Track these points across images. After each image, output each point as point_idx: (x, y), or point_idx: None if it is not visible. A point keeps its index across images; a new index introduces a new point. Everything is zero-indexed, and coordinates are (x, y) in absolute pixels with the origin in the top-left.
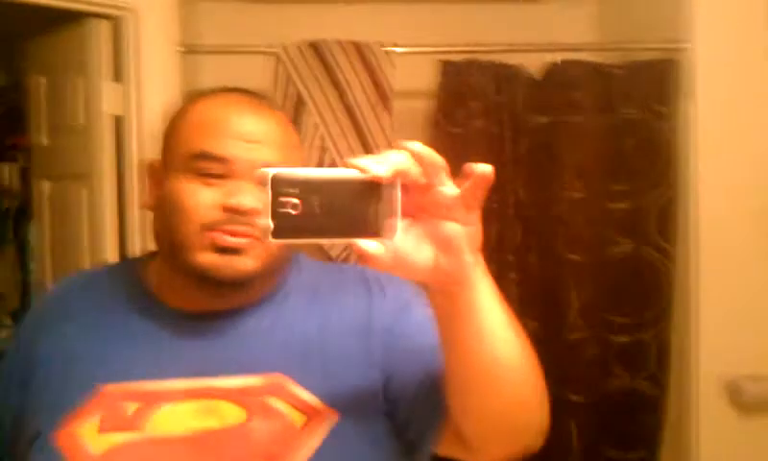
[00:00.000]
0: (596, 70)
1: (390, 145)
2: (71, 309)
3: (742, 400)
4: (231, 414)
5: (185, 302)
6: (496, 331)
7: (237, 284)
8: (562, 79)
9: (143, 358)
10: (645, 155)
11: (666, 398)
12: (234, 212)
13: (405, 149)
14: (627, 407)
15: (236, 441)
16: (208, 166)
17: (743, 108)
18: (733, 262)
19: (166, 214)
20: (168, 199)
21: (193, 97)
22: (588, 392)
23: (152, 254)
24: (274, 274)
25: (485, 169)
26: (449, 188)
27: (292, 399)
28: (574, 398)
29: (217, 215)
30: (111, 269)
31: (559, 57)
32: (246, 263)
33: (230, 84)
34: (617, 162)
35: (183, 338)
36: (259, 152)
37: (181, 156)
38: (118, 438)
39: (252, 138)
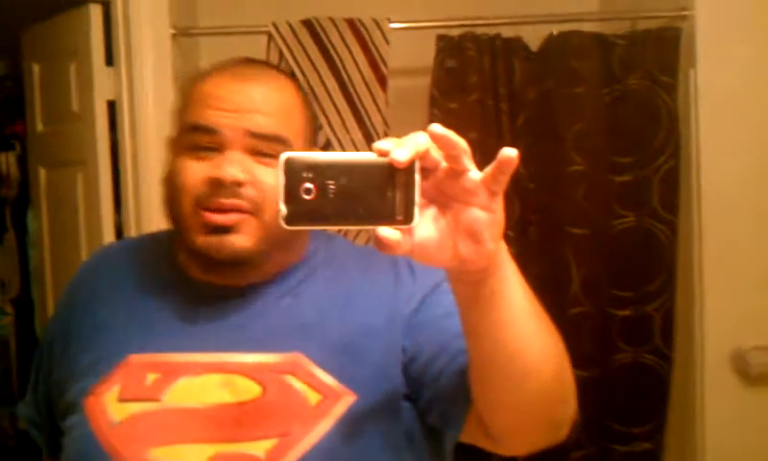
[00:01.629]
0: (597, 40)
1: (385, 121)
2: (104, 280)
3: (748, 371)
4: (247, 389)
5: (208, 275)
6: (520, 322)
7: (238, 263)
8: (561, 50)
9: (167, 330)
10: (647, 125)
11: (672, 371)
12: (217, 185)
13: (427, 132)
14: (632, 381)
15: (250, 416)
16: (199, 139)
17: (746, 76)
18: (737, 232)
19: (168, 191)
20: (169, 176)
21: (200, 73)
22: (591, 367)
23: None
24: (285, 248)
25: (510, 153)
26: (473, 173)
27: (309, 377)
28: (578, 373)
29: (205, 189)
30: (146, 239)
31: (557, 28)
32: (238, 241)
33: None
34: (619, 134)
35: (206, 312)
36: (248, 120)
37: (180, 131)
38: (136, 407)
39: (242, 107)
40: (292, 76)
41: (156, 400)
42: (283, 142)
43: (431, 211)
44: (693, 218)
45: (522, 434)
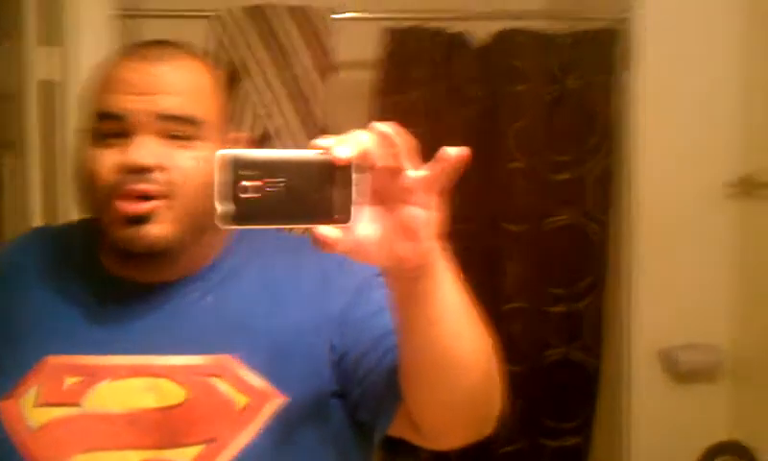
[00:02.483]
0: (539, 39)
1: (331, 113)
2: (25, 272)
3: (676, 370)
4: (171, 393)
5: (128, 271)
6: (452, 319)
7: (157, 254)
8: (506, 47)
9: (87, 331)
10: (585, 125)
11: (601, 367)
12: (130, 171)
13: (369, 129)
14: (563, 377)
15: (174, 421)
16: (106, 126)
17: (683, 79)
18: (668, 232)
19: (81, 183)
20: (80, 167)
21: (103, 60)
22: (524, 362)
23: None
24: (203, 238)
25: (450, 153)
26: (411, 172)
27: (236, 380)
28: (510, 368)
29: (116, 177)
30: (71, 228)
31: (503, 25)
32: (154, 230)
33: None
34: (558, 132)
35: (128, 312)
36: (156, 102)
37: (88, 121)
38: (55, 412)
39: (149, 89)
40: (203, 55)
41: (76, 404)
42: (195, 123)
43: (369, 210)
44: (624, 218)
45: (450, 430)
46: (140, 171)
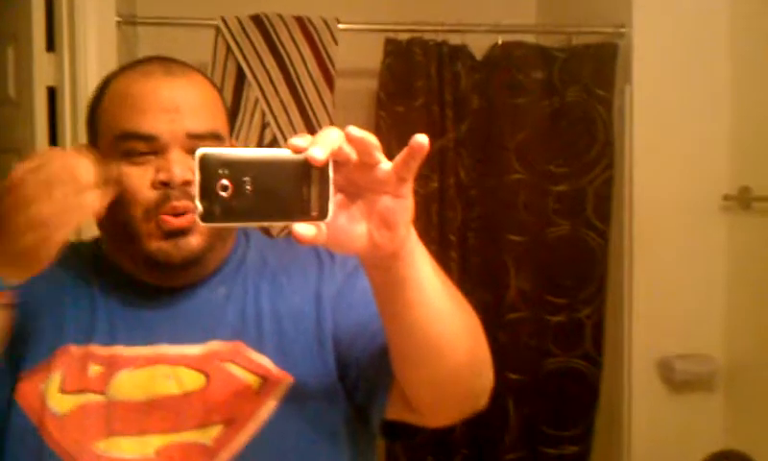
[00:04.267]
0: (538, 52)
1: (332, 121)
2: (56, 276)
3: (673, 378)
4: (190, 379)
5: (149, 277)
6: (432, 302)
7: (188, 265)
8: (504, 60)
9: (107, 324)
10: (584, 137)
11: (601, 376)
12: (168, 187)
13: (344, 133)
14: (563, 385)
15: (196, 405)
16: (134, 145)
17: (680, 92)
18: (666, 244)
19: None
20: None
21: (108, 76)
22: (525, 371)
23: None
24: (222, 246)
25: (421, 140)
26: (384, 164)
27: (249, 363)
28: (512, 376)
29: (154, 194)
30: (72, 248)
31: (501, 38)
32: (192, 242)
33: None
34: (557, 144)
35: (145, 308)
36: (186, 122)
37: (106, 139)
38: (81, 399)
39: (172, 107)
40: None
41: (101, 392)
42: (218, 137)
43: (341, 201)
44: (624, 229)
45: (443, 406)
46: (180, 186)
